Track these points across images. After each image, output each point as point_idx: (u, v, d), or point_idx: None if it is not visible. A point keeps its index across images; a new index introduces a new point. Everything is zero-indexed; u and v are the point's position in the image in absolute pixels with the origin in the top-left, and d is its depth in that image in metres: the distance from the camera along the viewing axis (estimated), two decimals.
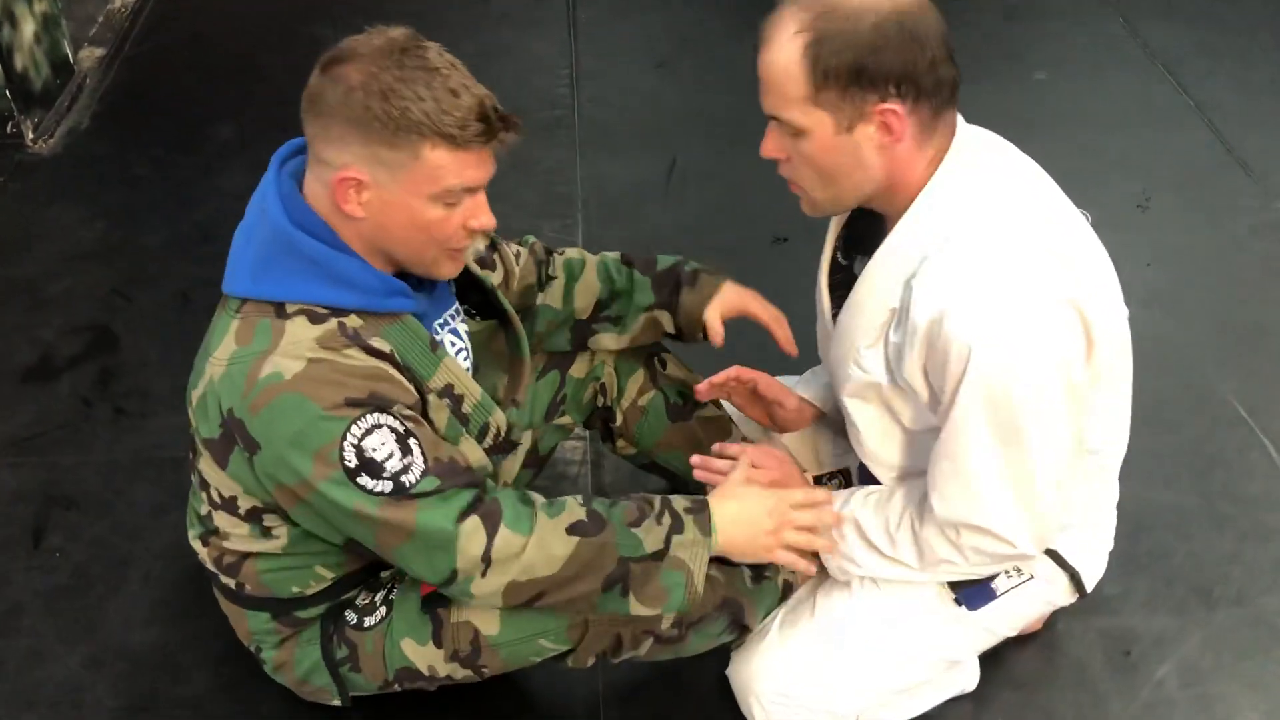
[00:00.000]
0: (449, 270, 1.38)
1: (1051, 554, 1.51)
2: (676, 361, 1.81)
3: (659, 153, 2.96)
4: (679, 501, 1.40)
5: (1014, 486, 1.32)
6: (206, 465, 1.40)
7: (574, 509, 1.36)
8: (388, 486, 1.28)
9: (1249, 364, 2.31)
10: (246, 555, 1.46)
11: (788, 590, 1.65)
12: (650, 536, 1.35)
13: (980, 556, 1.39)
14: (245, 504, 1.40)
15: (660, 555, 1.35)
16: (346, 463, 1.26)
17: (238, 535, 1.44)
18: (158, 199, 2.84)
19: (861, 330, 1.38)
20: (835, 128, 1.26)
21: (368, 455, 1.27)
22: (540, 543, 1.32)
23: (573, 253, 1.73)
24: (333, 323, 1.30)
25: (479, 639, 1.44)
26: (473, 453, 1.41)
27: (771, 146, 1.33)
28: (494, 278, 1.60)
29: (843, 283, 1.47)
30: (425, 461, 1.29)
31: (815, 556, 1.48)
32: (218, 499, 1.42)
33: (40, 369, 2.34)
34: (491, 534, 1.30)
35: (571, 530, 1.33)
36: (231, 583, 1.50)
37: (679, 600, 1.37)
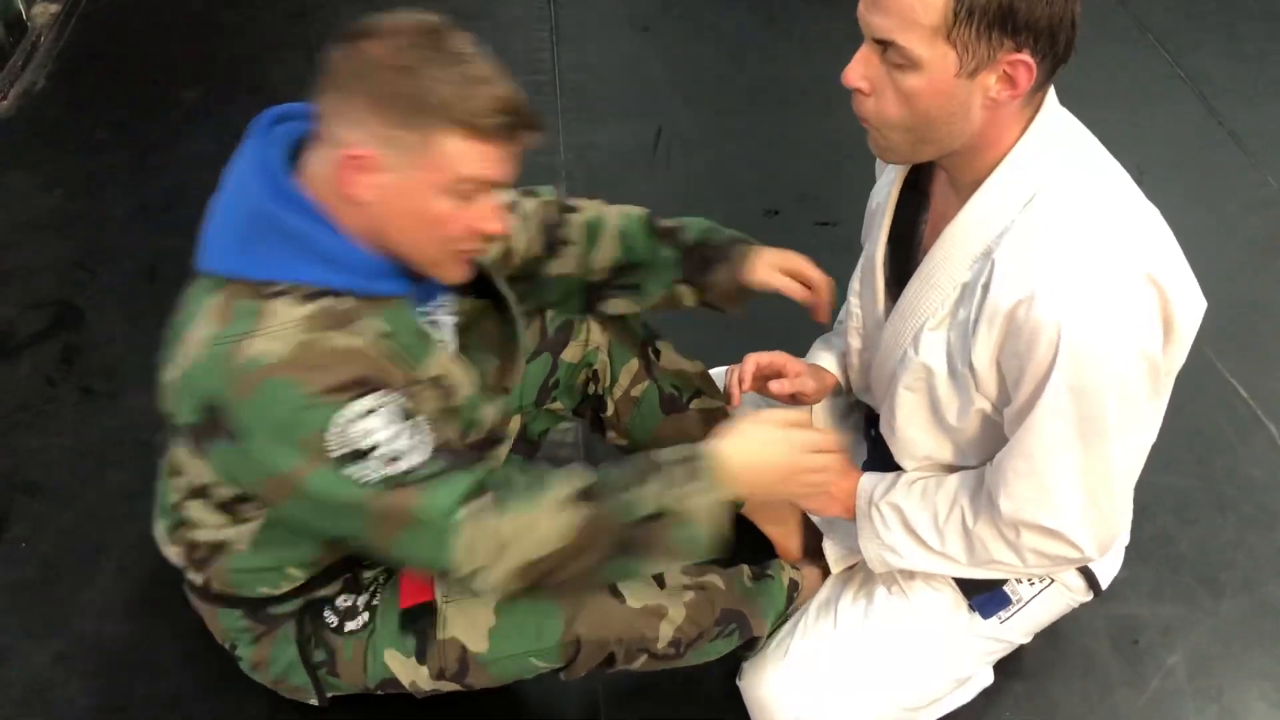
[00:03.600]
0: (453, 274, 1.29)
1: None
2: (671, 350, 1.73)
3: (644, 120, 2.87)
4: (672, 453, 1.28)
5: (1090, 488, 1.25)
6: (182, 452, 1.32)
7: (570, 478, 1.27)
8: (379, 473, 1.18)
9: (1248, 343, 2.29)
10: (216, 550, 1.38)
11: (793, 589, 1.60)
12: (648, 496, 1.24)
13: (1040, 559, 1.33)
14: (223, 493, 1.32)
15: (662, 514, 1.25)
16: (337, 450, 1.17)
17: (208, 526, 1.36)
18: (119, 165, 2.71)
19: (929, 308, 1.29)
20: (958, 69, 1.12)
21: (358, 442, 1.18)
22: (546, 517, 1.23)
23: (591, 211, 1.59)
24: (320, 302, 1.21)
25: (466, 656, 1.38)
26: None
27: (858, 74, 1.17)
28: (490, 251, 1.49)
29: (893, 255, 1.39)
30: (421, 443, 1.21)
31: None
32: (191, 487, 1.34)
33: None
34: (499, 515, 1.22)
35: (571, 500, 1.24)
36: (199, 579, 1.43)
37: (699, 550, 1.28)
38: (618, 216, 1.60)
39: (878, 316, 1.42)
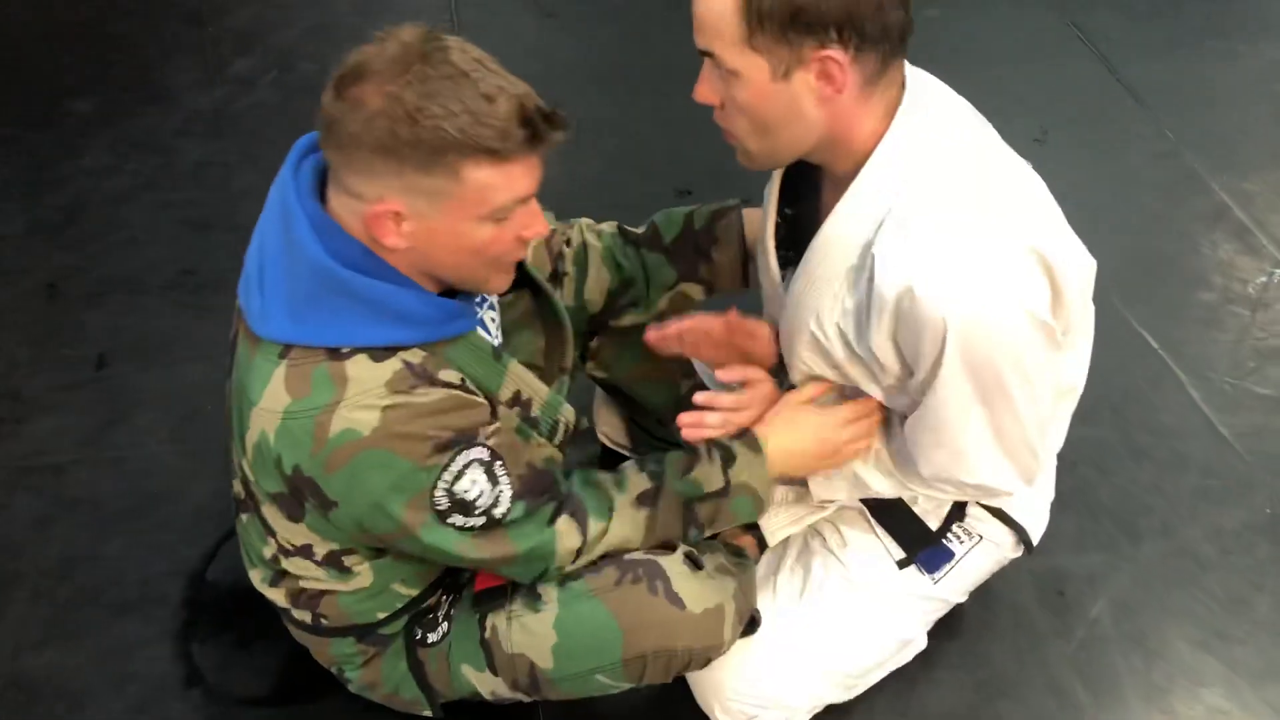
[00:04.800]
0: (501, 284, 1.27)
1: (998, 513, 1.50)
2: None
3: (553, 107, 2.84)
4: (722, 439, 1.39)
5: (1003, 444, 1.29)
6: (272, 515, 1.30)
7: (635, 479, 1.36)
8: (480, 521, 1.24)
9: (1155, 293, 2.34)
10: (325, 592, 1.37)
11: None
12: (709, 477, 1.36)
13: (977, 492, 1.42)
14: (321, 550, 1.32)
15: (724, 491, 1.36)
16: (438, 507, 1.21)
17: (313, 578, 1.35)
18: (11, 181, 2.61)
19: (817, 299, 1.31)
20: (771, 74, 1.16)
21: (459, 497, 1.21)
22: (620, 522, 1.34)
23: (574, 238, 1.60)
24: (397, 361, 1.18)
25: (535, 671, 1.38)
26: (543, 452, 1.35)
27: (705, 90, 1.23)
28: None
29: (786, 241, 1.40)
30: (512, 485, 1.25)
31: None
32: (289, 547, 1.33)
33: None
34: (584, 529, 1.32)
35: (640, 501, 1.34)
36: (308, 617, 1.40)
37: (751, 515, 1.41)
38: (594, 239, 1.60)
39: (776, 295, 1.43)
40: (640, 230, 1.60)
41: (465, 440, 1.20)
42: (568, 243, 1.60)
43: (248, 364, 1.23)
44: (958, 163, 1.23)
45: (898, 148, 1.21)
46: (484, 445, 1.22)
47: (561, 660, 1.35)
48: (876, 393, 1.36)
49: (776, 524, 1.60)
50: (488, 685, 1.42)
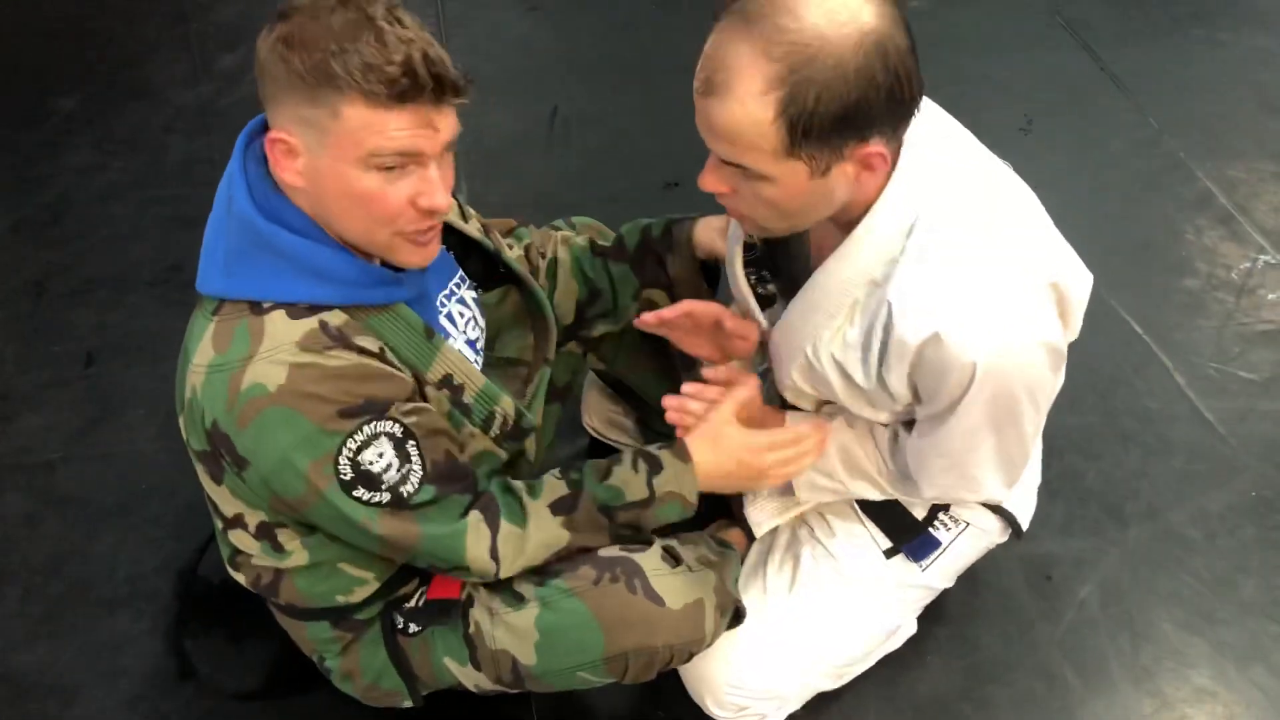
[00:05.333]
0: (413, 258, 1.24)
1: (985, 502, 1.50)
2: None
3: (539, 101, 2.85)
4: (649, 447, 1.37)
5: (1002, 458, 1.31)
6: (204, 480, 1.31)
7: (552, 485, 1.34)
8: (385, 498, 1.22)
9: (1139, 280, 2.35)
10: (279, 573, 1.37)
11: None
12: (631, 486, 1.33)
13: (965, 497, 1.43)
14: (252, 520, 1.31)
15: (648, 501, 1.33)
16: (342, 476, 1.19)
17: (258, 554, 1.35)
18: None
19: (818, 329, 1.29)
20: (810, 174, 1.12)
21: (364, 468, 1.20)
22: (537, 528, 1.31)
23: (549, 252, 1.61)
24: (313, 320, 1.19)
25: (518, 667, 1.37)
26: (474, 445, 1.34)
27: (715, 181, 1.18)
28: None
29: (755, 260, 1.40)
30: (424, 466, 1.23)
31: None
32: (228, 517, 1.32)
33: None
34: (494, 529, 1.29)
35: (556, 508, 1.32)
36: (279, 598, 1.40)
37: (679, 516, 1.37)
38: (565, 252, 1.61)
39: (754, 314, 1.43)
40: (608, 243, 1.62)
41: (375, 411, 1.19)
42: (543, 255, 1.61)
43: (190, 327, 1.25)
44: (962, 193, 1.21)
45: (905, 187, 1.19)
46: (396, 420, 1.21)
47: (544, 657, 1.36)
48: (870, 414, 1.36)
49: (763, 516, 1.61)
50: (471, 679, 1.42)
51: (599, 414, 1.93)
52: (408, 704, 1.49)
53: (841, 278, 1.25)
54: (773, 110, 1.07)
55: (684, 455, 1.34)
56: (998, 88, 2.87)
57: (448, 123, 1.17)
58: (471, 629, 1.39)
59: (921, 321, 1.16)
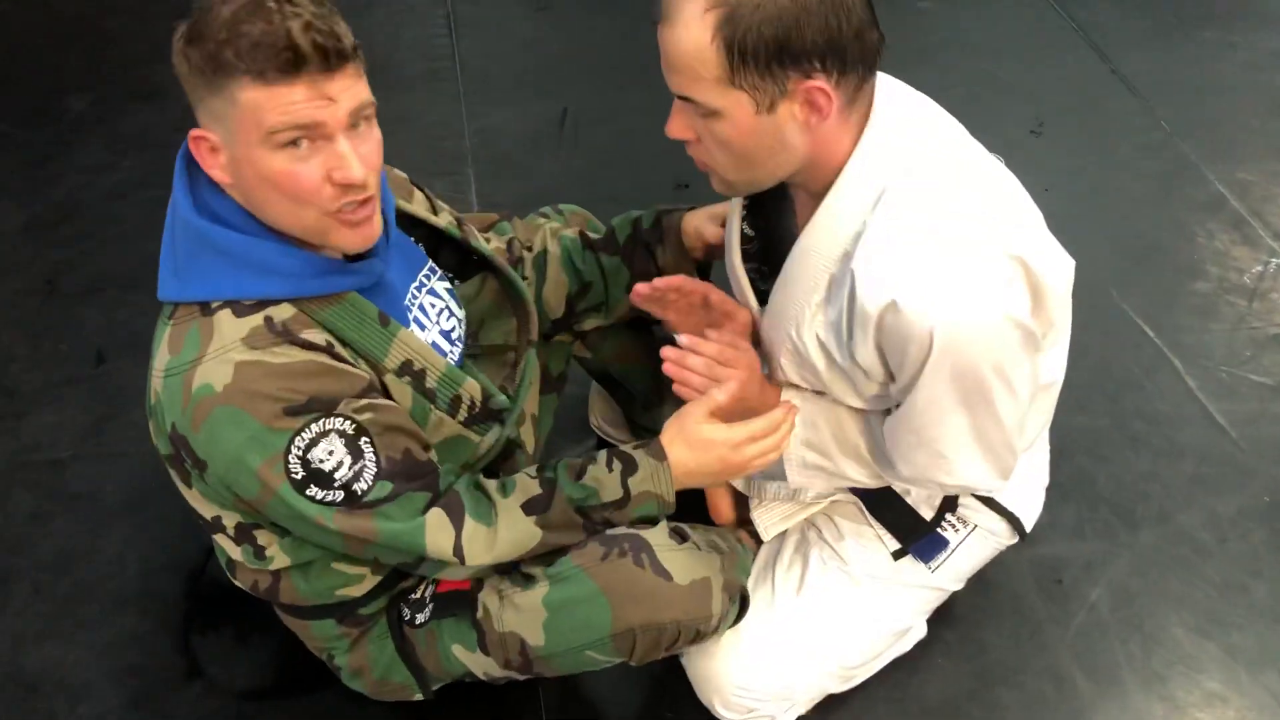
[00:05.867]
0: (351, 239, 1.21)
1: (990, 502, 1.50)
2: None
3: (548, 100, 2.85)
4: (624, 446, 1.36)
5: (983, 445, 1.29)
6: (179, 485, 1.31)
7: (525, 484, 1.33)
8: (339, 496, 1.21)
9: (1150, 283, 2.34)
10: (275, 576, 1.36)
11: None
12: (605, 485, 1.32)
13: (955, 489, 1.41)
14: (230, 522, 1.31)
15: (623, 501, 1.32)
16: (293, 475, 1.19)
17: (245, 559, 1.35)
18: (8, 179, 2.62)
19: (797, 309, 1.30)
20: (755, 108, 1.14)
21: (314, 466, 1.19)
22: (507, 526, 1.30)
23: (536, 244, 1.61)
24: (259, 317, 1.19)
25: (526, 649, 1.37)
26: (441, 432, 1.33)
27: (679, 126, 1.21)
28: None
29: (754, 254, 1.40)
30: (378, 463, 1.22)
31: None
32: (208, 520, 1.32)
33: None
34: (458, 527, 1.27)
35: (529, 507, 1.30)
36: (283, 601, 1.40)
37: (656, 514, 1.36)
38: (555, 245, 1.60)
39: (752, 308, 1.43)
40: (599, 235, 1.61)
41: (322, 407, 1.18)
42: (528, 248, 1.61)
43: (154, 336, 1.26)
44: (931, 169, 1.22)
45: (871, 159, 1.21)
46: (346, 417, 1.20)
47: (552, 637, 1.35)
48: (856, 403, 1.36)
49: (770, 520, 1.60)
50: (480, 666, 1.42)
51: (604, 413, 1.93)
52: (418, 697, 1.49)
53: (814, 250, 1.26)
54: (710, 30, 1.11)
55: (659, 454, 1.33)
56: (1008, 90, 2.87)
57: (347, 92, 1.13)
58: (480, 613, 1.39)
59: (881, 290, 1.17)
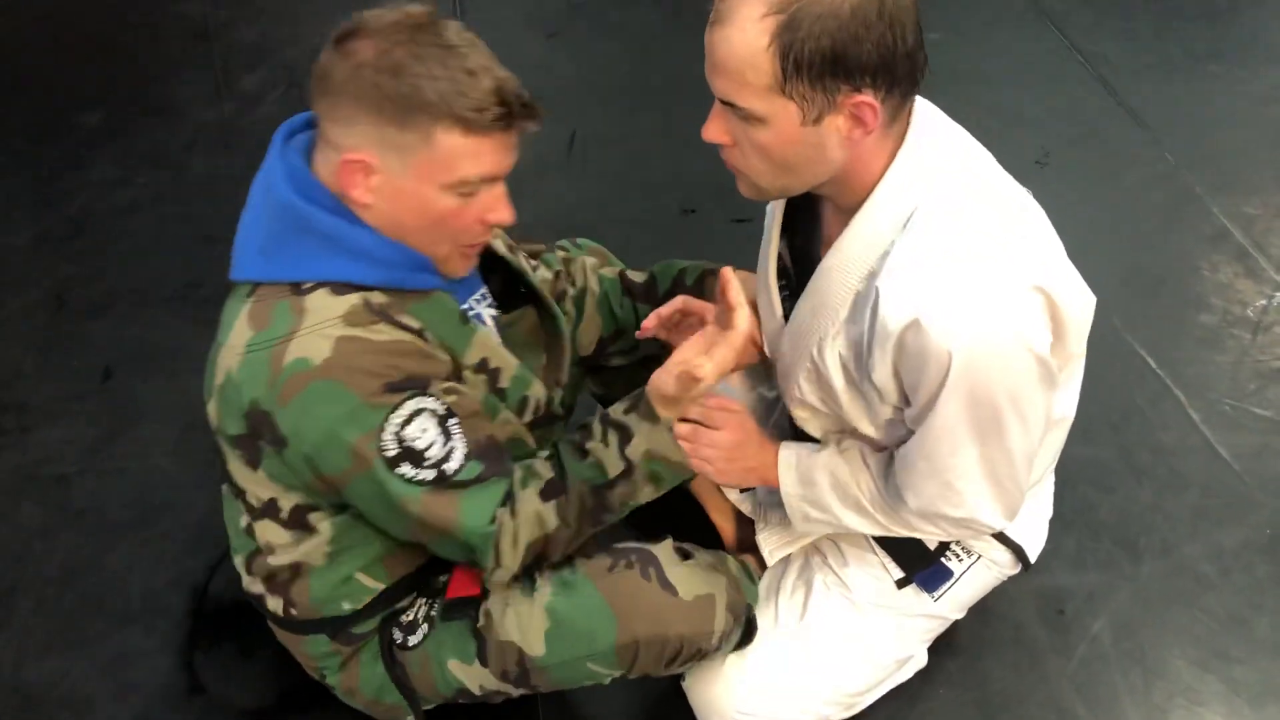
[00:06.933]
0: (459, 268, 1.29)
1: (995, 532, 1.50)
2: None
3: (557, 125, 2.87)
4: (614, 411, 1.35)
5: (992, 477, 1.29)
6: (237, 468, 1.30)
7: (541, 470, 1.33)
8: (430, 475, 1.23)
9: (1154, 314, 2.35)
10: (296, 572, 1.36)
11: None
12: (606, 461, 1.31)
13: (960, 531, 1.39)
14: (287, 504, 1.31)
15: (628, 471, 1.32)
16: (387, 452, 1.20)
17: (283, 546, 1.35)
18: (20, 193, 2.64)
19: (821, 326, 1.31)
20: (801, 119, 1.14)
21: (408, 444, 1.20)
22: (537, 518, 1.30)
23: (578, 280, 1.62)
24: (357, 297, 1.21)
25: (525, 659, 1.37)
26: (508, 429, 1.34)
27: (717, 130, 1.20)
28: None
29: (785, 270, 1.41)
30: (466, 445, 1.24)
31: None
32: (256, 505, 1.32)
33: None
34: (517, 524, 1.28)
35: (545, 493, 1.30)
36: (281, 605, 1.40)
37: (674, 478, 1.35)
38: (595, 282, 1.62)
39: (776, 325, 1.43)
40: (640, 280, 1.63)
41: (417, 386, 1.21)
42: (572, 282, 1.62)
43: (223, 316, 1.26)
44: (962, 195, 1.22)
45: (904, 179, 1.21)
46: (437, 398, 1.22)
47: (554, 646, 1.36)
48: (870, 430, 1.36)
49: (775, 543, 1.61)
50: (476, 679, 1.41)
51: None
52: (410, 719, 1.49)
53: (842, 267, 1.26)
54: (767, 36, 1.10)
55: (651, 415, 1.32)
56: (1015, 121, 2.88)
57: (515, 145, 1.22)
58: (481, 622, 1.40)
59: (904, 308, 1.17)
